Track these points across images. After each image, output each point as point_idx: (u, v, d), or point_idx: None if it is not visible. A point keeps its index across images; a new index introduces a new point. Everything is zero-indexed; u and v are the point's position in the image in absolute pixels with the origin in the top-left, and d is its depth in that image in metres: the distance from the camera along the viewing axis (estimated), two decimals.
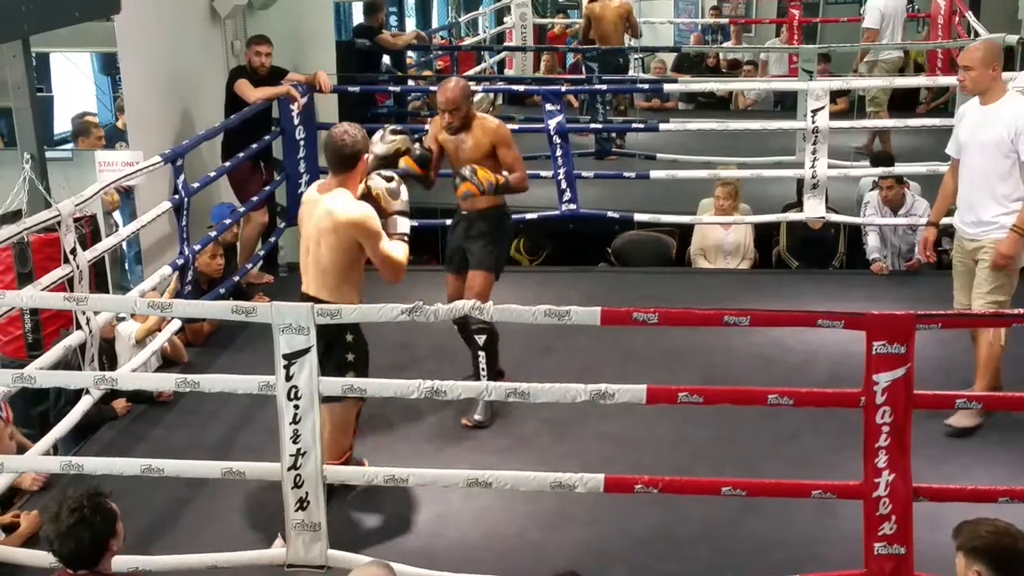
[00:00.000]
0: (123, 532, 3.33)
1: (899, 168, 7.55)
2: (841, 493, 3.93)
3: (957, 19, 10.52)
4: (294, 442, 3.96)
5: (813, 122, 7.27)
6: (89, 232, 5.39)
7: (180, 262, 5.95)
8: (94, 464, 4.39)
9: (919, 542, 3.80)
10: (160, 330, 5.82)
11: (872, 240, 7.44)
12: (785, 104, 12.34)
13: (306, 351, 3.87)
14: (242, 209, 6.93)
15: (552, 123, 7.35)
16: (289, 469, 3.99)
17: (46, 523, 3.22)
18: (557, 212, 7.50)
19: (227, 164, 6.77)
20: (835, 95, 9.16)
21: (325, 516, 4.04)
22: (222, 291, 6.33)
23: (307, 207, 4.33)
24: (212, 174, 6.61)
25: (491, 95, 12.33)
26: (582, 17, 11.16)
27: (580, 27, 11.47)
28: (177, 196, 5.94)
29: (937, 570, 3.78)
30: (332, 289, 4.23)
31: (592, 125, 9.46)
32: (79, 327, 5.00)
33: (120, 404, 5.49)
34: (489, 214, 5.35)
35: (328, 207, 4.18)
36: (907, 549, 3.77)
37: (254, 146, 6.97)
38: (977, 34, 9.13)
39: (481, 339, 5.30)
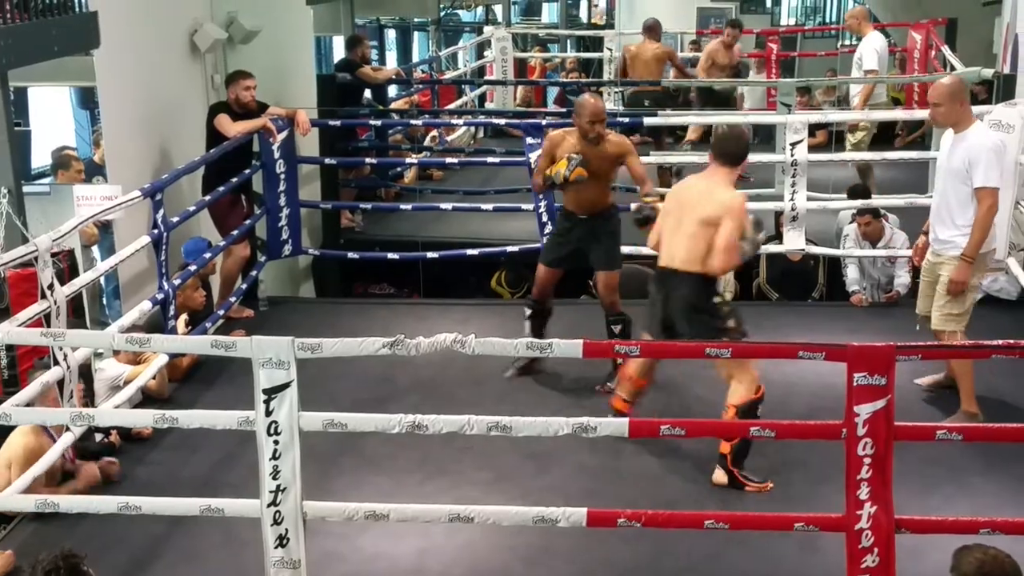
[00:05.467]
0: None
1: (877, 200, 7.59)
2: (823, 526, 3.93)
3: (933, 53, 10.64)
4: (274, 478, 3.91)
5: (792, 155, 7.32)
6: (67, 267, 5.36)
7: (160, 297, 5.91)
8: (70, 502, 4.34)
9: (902, 574, 3.79)
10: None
11: (852, 272, 7.48)
12: (761, 136, 12.42)
13: (286, 386, 3.84)
14: (222, 243, 6.90)
15: (533, 156, 7.35)
16: (268, 506, 3.94)
17: None
18: (539, 245, 7.49)
19: (207, 198, 6.74)
20: (814, 128, 9.23)
21: (304, 553, 3.99)
22: (208, 325, 6.29)
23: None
24: (192, 208, 6.58)
25: (472, 128, 12.37)
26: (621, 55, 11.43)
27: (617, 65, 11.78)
28: (156, 231, 5.91)
29: None
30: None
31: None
32: (56, 363, 4.95)
33: (113, 436, 5.43)
34: (609, 214, 6.12)
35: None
36: None
37: (234, 180, 6.96)
38: (953, 68, 9.23)
39: (617, 328, 6.03)
